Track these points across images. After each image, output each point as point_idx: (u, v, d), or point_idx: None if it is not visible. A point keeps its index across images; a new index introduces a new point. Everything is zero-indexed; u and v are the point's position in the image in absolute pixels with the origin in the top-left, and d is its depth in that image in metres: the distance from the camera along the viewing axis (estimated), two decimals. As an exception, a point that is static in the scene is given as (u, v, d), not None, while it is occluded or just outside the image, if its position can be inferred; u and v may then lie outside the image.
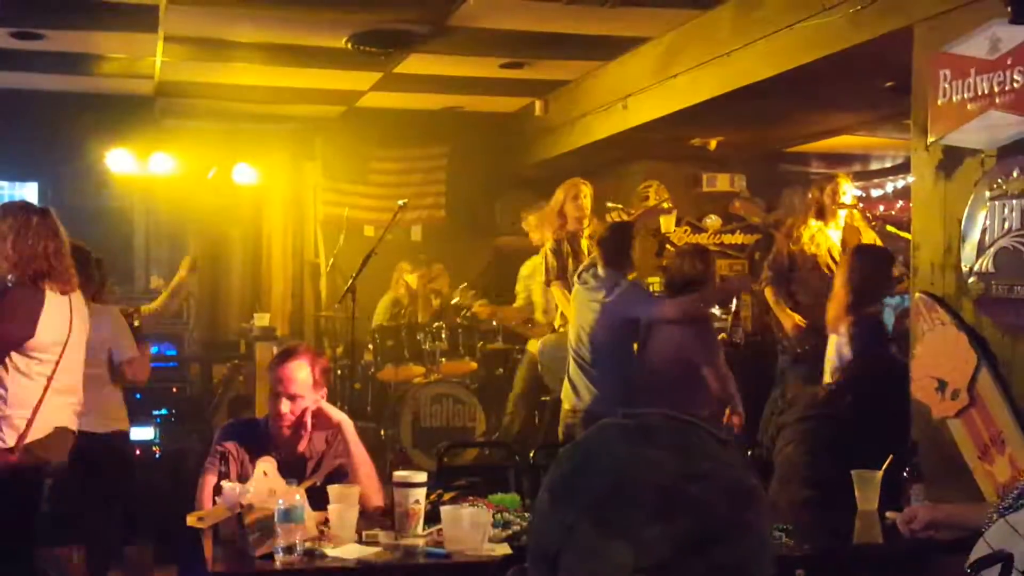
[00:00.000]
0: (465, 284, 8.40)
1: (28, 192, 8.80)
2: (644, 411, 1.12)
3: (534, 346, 7.01)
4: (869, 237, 6.49)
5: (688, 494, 1.01)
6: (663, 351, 5.54)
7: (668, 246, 8.08)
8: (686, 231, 8.89)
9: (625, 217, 7.55)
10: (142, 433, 7.26)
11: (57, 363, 4.39)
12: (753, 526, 1.04)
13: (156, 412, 7.39)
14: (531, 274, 7.29)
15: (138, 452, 7.26)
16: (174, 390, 7.73)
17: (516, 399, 7.45)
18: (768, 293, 6.37)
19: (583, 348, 5.69)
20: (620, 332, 5.67)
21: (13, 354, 4.27)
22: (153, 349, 6.95)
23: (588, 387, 5.65)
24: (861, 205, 7.05)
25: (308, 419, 3.96)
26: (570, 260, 7.00)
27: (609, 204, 7.24)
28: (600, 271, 5.69)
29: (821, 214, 6.36)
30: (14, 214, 4.36)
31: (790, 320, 6.19)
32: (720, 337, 6.57)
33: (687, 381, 5.41)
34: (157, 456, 7.15)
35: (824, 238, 6.33)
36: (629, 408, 1.14)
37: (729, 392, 5.48)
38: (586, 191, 6.76)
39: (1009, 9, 3.68)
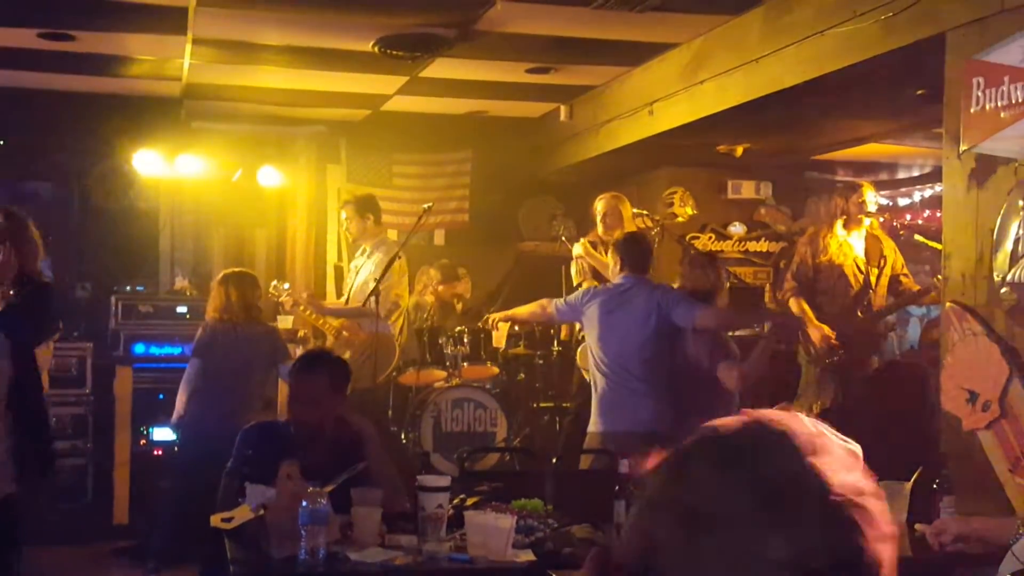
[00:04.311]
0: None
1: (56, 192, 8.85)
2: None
3: None
4: (890, 246, 6.44)
5: (846, 512, 1.03)
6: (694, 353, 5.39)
7: (692, 251, 8.03)
8: (710, 238, 8.86)
9: (650, 224, 7.52)
10: (164, 434, 7.30)
11: None
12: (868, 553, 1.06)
13: (179, 413, 7.41)
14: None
15: (160, 452, 7.32)
16: (197, 391, 7.72)
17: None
18: (793, 305, 6.27)
19: (626, 362, 5.30)
20: (667, 338, 5.32)
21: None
22: (167, 349, 6.91)
23: (639, 407, 5.22)
24: (882, 219, 6.98)
25: (329, 424, 3.97)
26: None
27: (634, 211, 7.20)
28: (623, 279, 5.49)
29: (846, 222, 6.31)
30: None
31: (819, 332, 6.08)
32: None
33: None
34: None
35: (850, 248, 6.28)
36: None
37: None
38: (616, 206, 6.85)
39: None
